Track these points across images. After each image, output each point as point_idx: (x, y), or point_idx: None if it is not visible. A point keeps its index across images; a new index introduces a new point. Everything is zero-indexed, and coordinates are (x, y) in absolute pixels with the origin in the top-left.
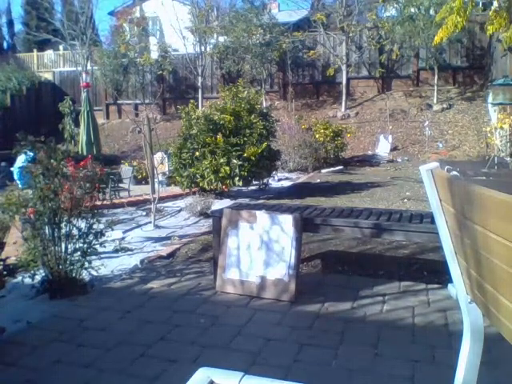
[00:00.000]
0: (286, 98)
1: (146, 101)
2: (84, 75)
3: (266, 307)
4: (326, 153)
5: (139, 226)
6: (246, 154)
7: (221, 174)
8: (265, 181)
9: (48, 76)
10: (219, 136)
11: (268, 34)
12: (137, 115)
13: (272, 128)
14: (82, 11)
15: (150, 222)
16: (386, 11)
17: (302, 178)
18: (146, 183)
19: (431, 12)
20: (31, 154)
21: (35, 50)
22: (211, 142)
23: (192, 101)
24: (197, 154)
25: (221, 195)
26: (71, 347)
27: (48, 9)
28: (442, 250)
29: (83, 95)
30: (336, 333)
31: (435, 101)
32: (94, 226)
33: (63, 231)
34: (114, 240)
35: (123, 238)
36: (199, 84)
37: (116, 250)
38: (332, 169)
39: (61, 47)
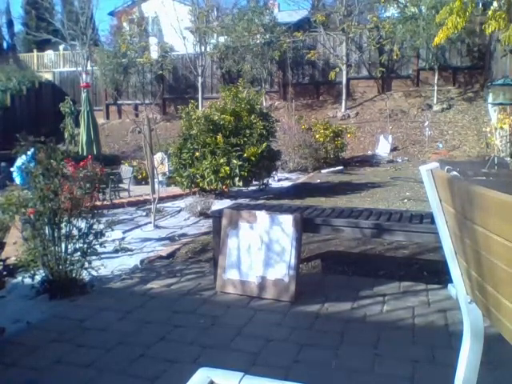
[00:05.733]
0: (286, 98)
1: (146, 101)
2: (84, 75)
3: (266, 307)
4: (326, 153)
5: (139, 226)
6: (246, 155)
7: (221, 175)
8: (265, 181)
9: (48, 76)
10: (219, 136)
11: (268, 34)
12: (137, 115)
13: (272, 128)
14: (82, 11)
15: (149, 223)
16: (386, 11)
17: (302, 178)
18: (146, 183)
19: (433, 11)
20: (29, 153)
21: (35, 51)
22: (211, 142)
23: (192, 101)
24: (197, 154)
25: (221, 195)
26: (71, 347)
27: (48, 9)
28: (442, 250)
29: (83, 95)
30: (336, 333)
31: (435, 101)
32: (94, 227)
33: (63, 231)
34: (113, 240)
35: (123, 239)
36: (199, 84)
37: (116, 251)
38: (332, 169)
39: (61, 47)
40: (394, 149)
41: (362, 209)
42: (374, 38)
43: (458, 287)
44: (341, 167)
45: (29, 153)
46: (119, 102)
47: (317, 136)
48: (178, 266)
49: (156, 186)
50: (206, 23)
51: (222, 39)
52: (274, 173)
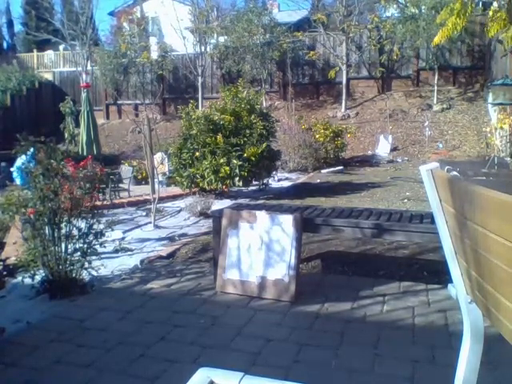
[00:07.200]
0: (286, 98)
1: (146, 101)
2: (84, 75)
3: (266, 307)
4: (326, 153)
5: (139, 226)
6: (246, 155)
7: (221, 174)
8: (265, 181)
9: (48, 76)
10: (219, 136)
11: (268, 34)
12: (137, 115)
13: (272, 128)
14: (82, 11)
15: (149, 223)
16: (386, 11)
17: (302, 178)
18: (146, 183)
19: (433, 11)
20: (29, 153)
21: (35, 50)
22: (211, 142)
23: (192, 101)
24: (197, 154)
25: (221, 195)
26: (71, 347)
27: (48, 9)
28: (442, 250)
29: (83, 95)
30: (336, 333)
31: (435, 101)
32: (94, 227)
33: (63, 231)
34: (113, 240)
35: (123, 238)
36: (199, 84)
37: (116, 250)
38: (332, 169)
39: (61, 47)
40: (394, 149)
41: (362, 209)
42: (374, 37)
43: (458, 287)
44: (341, 167)
45: (29, 153)
46: (119, 102)
47: (317, 136)
48: (178, 266)
49: (156, 186)
50: (206, 23)
51: (221, 39)
52: (274, 173)
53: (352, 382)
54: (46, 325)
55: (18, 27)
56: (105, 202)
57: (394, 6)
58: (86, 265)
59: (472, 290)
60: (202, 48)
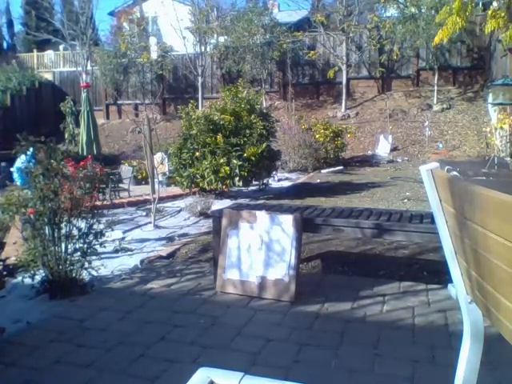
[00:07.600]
0: (286, 98)
1: (146, 101)
2: (84, 75)
3: (266, 307)
4: (326, 153)
5: (139, 226)
6: (246, 155)
7: (221, 174)
8: (265, 181)
9: (48, 76)
10: (219, 136)
11: (268, 34)
12: (137, 115)
13: (272, 128)
14: (82, 11)
15: (149, 223)
16: (386, 11)
17: (302, 178)
18: (146, 183)
19: (432, 12)
20: (29, 153)
21: (35, 50)
22: (211, 142)
23: (192, 101)
24: (197, 154)
25: (221, 195)
26: (71, 347)
27: (48, 9)
28: (442, 250)
29: (83, 95)
30: (336, 333)
31: (435, 101)
32: (94, 226)
33: (63, 231)
34: (113, 240)
35: (123, 238)
36: (199, 84)
37: (116, 250)
38: (332, 169)
39: (61, 47)
40: (394, 149)
41: (362, 209)
42: (374, 37)
43: (458, 287)
44: (341, 167)
45: (29, 153)
46: (119, 101)
47: (317, 136)
48: (178, 266)
49: (156, 186)
50: (206, 23)
51: (221, 39)
52: (274, 173)
53: (352, 382)
54: (46, 325)
55: (18, 27)
56: (105, 202)
57: (394, 5)
58: (86, 265)
59: (472, 289)
60: (202, 48)
